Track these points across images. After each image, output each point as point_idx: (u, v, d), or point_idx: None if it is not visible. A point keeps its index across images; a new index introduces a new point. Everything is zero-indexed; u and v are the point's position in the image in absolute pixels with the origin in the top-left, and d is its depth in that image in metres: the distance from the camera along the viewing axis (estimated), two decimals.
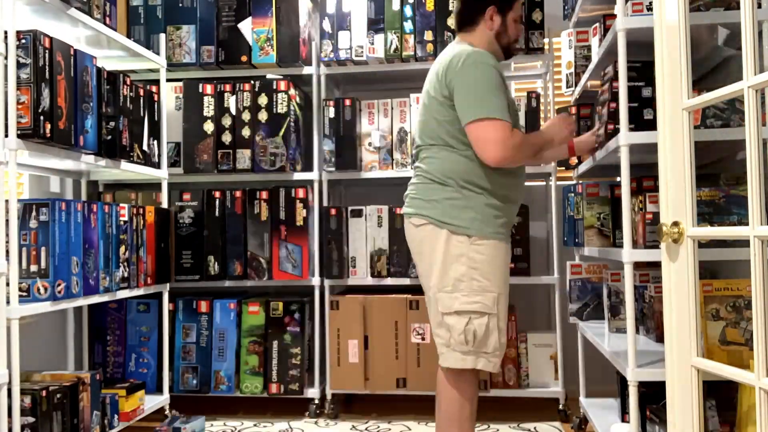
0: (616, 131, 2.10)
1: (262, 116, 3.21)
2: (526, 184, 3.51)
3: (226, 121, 3.25)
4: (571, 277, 2.95)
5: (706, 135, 2.07)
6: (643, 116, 2.15)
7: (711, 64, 2.39)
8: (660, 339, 2.28)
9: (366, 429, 3.01)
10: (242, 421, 3.14)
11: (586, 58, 2.85)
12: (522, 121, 3.19)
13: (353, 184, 3.63)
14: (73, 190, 3.26)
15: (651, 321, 2.47)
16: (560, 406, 3.10)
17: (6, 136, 2.07)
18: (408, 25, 3.23)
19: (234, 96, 3.25)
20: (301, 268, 3.19)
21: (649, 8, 2.00)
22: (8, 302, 2.03)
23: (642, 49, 2.10)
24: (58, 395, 2.38)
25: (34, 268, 2.22)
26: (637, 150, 2.09)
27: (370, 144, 3.28)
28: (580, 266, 2.93)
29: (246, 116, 3.23)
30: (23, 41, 2.12)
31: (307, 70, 3.34)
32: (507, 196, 2.17)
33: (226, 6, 3.31)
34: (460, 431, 2.08)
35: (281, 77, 3.23)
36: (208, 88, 3.26)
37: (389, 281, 3.21)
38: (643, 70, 2.13)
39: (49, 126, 2.19)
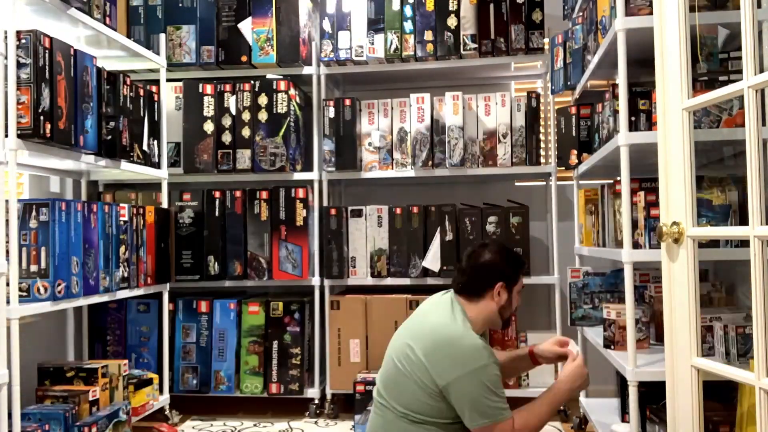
0: None
1: (262, 116, 3.21)
2: (526, 184, 3.55)
3: (226, 121, 3.25)
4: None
5: (706, 135, 2.07)
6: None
7: None
8: (660, 339, 2.28)
9: None
10: (242, 421, 3.14)
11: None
12: (521, 121, 3.19)
13: (353, 184, 3.63)
14: (73, 190, 3.25)
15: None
16: (560, 406, 3.09)
17: (6, 136, 2.07)
18: (408, 25, 3.23)
19: (234, 96, 3.25)
20: (301, 268, 3.19)
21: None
22: (8, 302, 2.03)
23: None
24: None
25: (34, 268, 2.22)
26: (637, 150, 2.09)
27: (370, 144, 3.28)
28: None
29: (246, 116, 3.23)
30: (23, 41, 2.12)
31: (307, 70, 3.34)
32: None
33: (226, 6, 3.31)
34: None
35: (281, 77, 3.23)
36: (208, 88, 3.26)
37: (389, 281, 3.21)
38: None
39: (49, 126, 2.19)
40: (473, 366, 1.89)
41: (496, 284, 2.04)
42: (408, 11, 3.23)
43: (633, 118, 2.20)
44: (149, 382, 2.84)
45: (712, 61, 2.15)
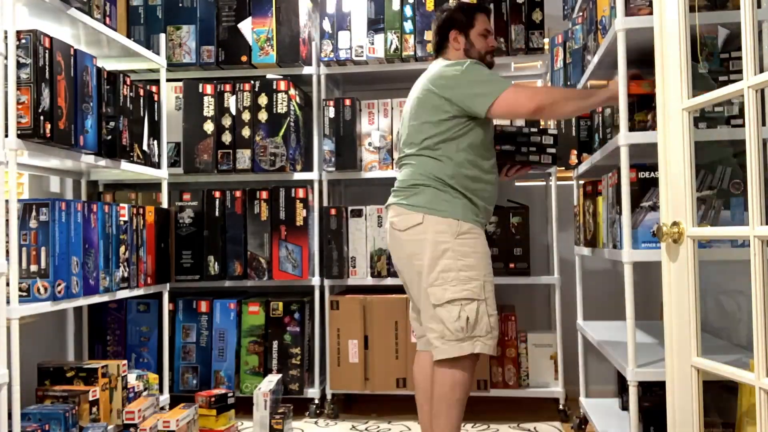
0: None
1: (262, 116, 3.21)
2: (526, 184, 3.55)
3: (226, 121, 3.25)
4: None
5: (706, 135, 2.06)
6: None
7: None
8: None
9: (366, 429, 3.00)
10: (242, 421, 3.14)
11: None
12: (522, 122, 3.18)
13: (353, 184, 3.63)
14: (73, 190, 3.25)
15: None
16: (560, 406, 3.10)
17: (6, 136, 2.07)
18: (408, 25, 3.23)
19: (234, 96, 3.25)
20: (301, 268, 3.19)
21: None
22: (8, 302, 2.03)
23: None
24: None
25: (34, 268, 2.22)
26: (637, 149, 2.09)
27: (370, 144, 3.28)
28: None
29: (246, 116, 3.23)
30: (23, 41, 2.12)
31: (307, 70, 3.34)
32: (484, 198, 2.33)
33: (226, 6, 3.31)
34: (449, 411, 2.20)
35: (281, 77, 3.23)
36: (208, 88, 3.26)
37: (389, 281, 3.21)
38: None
39: (49, 126, 2.19)
40: (466, 63, 2.28)
41: (450, 33, 2.40)
42: (408, 11, 3.23)
43: None
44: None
45: (712, 61, 2.15)
